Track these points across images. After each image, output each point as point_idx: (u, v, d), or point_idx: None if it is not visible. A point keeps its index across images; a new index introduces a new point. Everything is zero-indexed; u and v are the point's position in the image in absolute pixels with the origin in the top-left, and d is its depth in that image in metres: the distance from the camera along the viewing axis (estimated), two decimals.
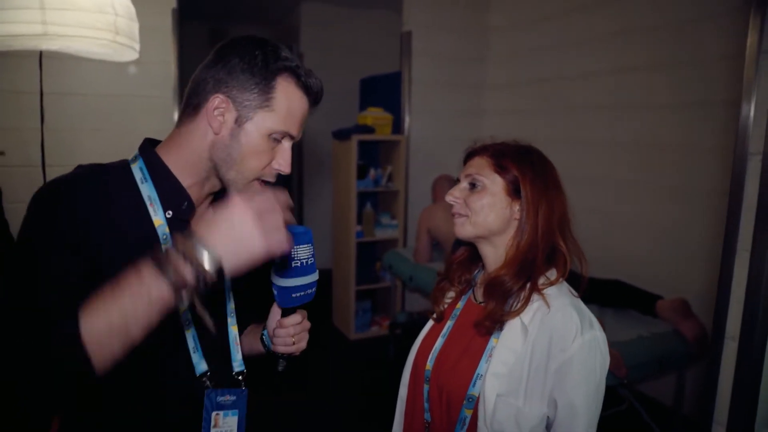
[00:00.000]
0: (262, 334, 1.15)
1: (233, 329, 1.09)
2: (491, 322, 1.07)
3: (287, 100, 0.95)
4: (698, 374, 2.78)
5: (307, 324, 1.09)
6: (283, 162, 0.98)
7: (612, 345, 2.34)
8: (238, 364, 1.08)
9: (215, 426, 1.01)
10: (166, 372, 0.97)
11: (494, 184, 1.12)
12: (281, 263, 0.95)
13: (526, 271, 1.08)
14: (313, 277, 0.99)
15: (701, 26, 2.81)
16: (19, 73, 2.97)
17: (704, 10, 2.79)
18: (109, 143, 3.13)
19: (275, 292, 0.99)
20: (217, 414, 1.01)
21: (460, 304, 1.22)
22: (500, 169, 1.12)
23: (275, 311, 1.11)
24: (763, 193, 1.40)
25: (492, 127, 4.45)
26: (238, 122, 0.93)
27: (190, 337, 0.99)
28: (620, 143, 3.32)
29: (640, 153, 3.19)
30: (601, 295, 2.84)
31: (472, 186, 1.14)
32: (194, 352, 0.99)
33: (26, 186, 2.99)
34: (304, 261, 0.96)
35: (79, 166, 0.93)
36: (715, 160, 2.76)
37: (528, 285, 1.07)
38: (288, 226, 0.90)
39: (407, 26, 4.24)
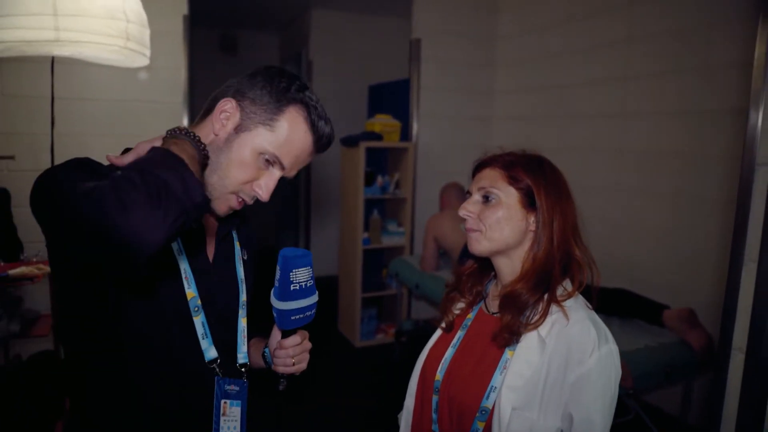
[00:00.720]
0: (264, 352, 1.17)
1: (243, 321, 1.11)
2: (509, 334, 1.06)
3: (290, 129, 0.96)
4: (705, 385, 2.75)
5: (308, 345, 1.10)
6: (264, 186, 0.97)
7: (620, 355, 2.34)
8: (242, 356, 1.11)
9: (224, 414, 1.03)
10: (176, 356, 0.99)
11: (508, 196, 1.10)
12: (279, 286, 0.96)
13: (544, 282, 1.07)
14: (313, 299, 1.00)
15: (710, 33, 2.81)
16: (30, 78, 3.00)
17: (713, 17, 2.79)
18: (118, 148, 3.15)
19: (275, 315, 1.00)
20: (224, 402, 1.03)
21: (471, 314, 1.21)
22: (513, 180, 1.10)
23: (276, 330, 1.12)
24: None
25: (500, 134, 4.45)
26: (237, 130, 0.95)
27: (199, 324, 1.01)
28: (628, 151, 3.32)
29: (648, 161, 3.18)
30: (607, 304, 2.82)
31: (486, 199, 1.12)
32: (203, 338, 1.01)
33: None
34: (303, 284, 0.96)
35: None
36: (723, 169, 2.74)
37: (546, 296, 1.06)
38: (286, 249, 0.93)
39: (416, 33, 4.26)
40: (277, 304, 0.98)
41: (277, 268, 0.96)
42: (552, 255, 1.08)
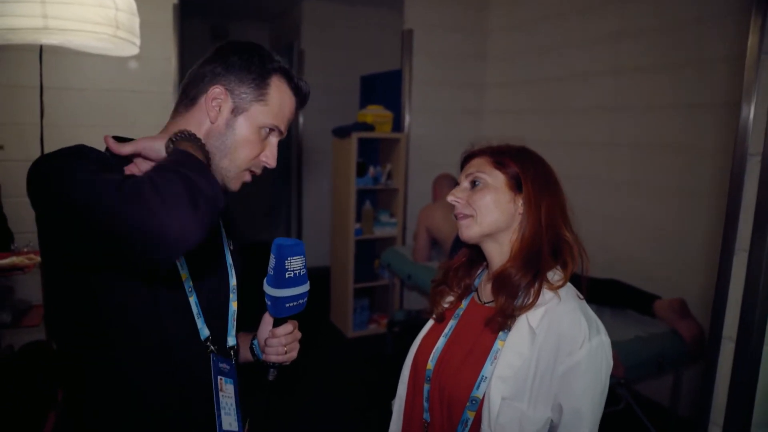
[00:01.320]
0: (252, 344, 1.19)
1: (233, 305, 1.13)
2: (503, 318, 1.06)
3: (279, 98, 1.02)
4: (695, 374, 2.78)
5: (298, 334, 1.13)
6: (270, 155, 1.04)
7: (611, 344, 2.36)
8: (231, 339, 1.12)
9: (221, 390, 1.05)
10: (171, 337, 1.00)
11: (496, 179, 1.12)
12: (274, 274, 0.97)
13: (533, 263, 1.08)
14: (305, 287, 1.02)
15: (701, 27, 2.82)
16: (18, 68, 2.96)
17: (705, 11, 2.79)
18: None
19: (268, 303, 1.02)
20: (220, 378, 1.06)
21: (463, 304, 1.21)
22: (500, 165, 1.12)
23: (266, 321, 1.15)
24: (761, 194, 1.41)
25: (492, 126, 4.45)
26: (234, 113, 0.99)
27: (194, 304, 1.03)
28: (619, 144, 3.33)
29: (639, 153, 3.19)
30: (598, 294, 2.84)
31: (473, 184, 1.14)
32: (198, 317, 1.03)
33: (25, 181, 3.02)
34: (297, 272, 0.99)
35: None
36: (714, 161, 2.76)
37: (537, 280, 1.07)
38: (280, 239, 0.96)
39: (408, 24, 4.24)
40: (272, 291, 0.99)
41: (272, 256, 0.98)
42: (540, 235, 1.09)
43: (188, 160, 0.83)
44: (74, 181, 0.78)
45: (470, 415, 1.06)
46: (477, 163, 1.15)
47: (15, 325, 2.67)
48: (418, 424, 1.18)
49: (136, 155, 0.94)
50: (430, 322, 1.26)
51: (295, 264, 0.98)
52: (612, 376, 2.26)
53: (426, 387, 1.15)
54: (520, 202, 1.11)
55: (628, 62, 3.24)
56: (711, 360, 1.57)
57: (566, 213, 1.14)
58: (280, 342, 1.08)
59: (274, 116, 1.01)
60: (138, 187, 0.73)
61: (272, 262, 0.98)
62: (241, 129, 0.99)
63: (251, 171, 1.04)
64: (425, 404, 1.15)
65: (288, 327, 1.09)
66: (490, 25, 4.47)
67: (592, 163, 3.50)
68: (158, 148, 0.91)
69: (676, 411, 2.80)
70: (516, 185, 1.12)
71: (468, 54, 4.46)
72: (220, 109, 0.99)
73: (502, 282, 1.09)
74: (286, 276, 0.98)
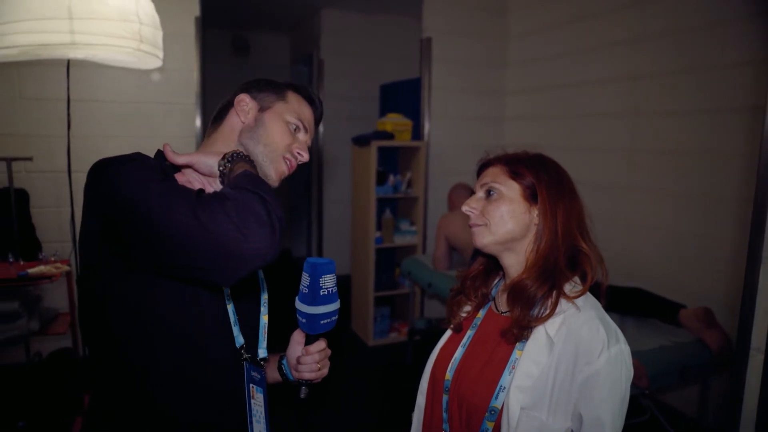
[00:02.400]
0: (281, 364, 1.21)
1: (264, 318, 1.17)
2: (519, 329, 1.06)
3: (297, 102, 1.13)
4: (723, 385, 2.72)
5: (329, 351, 1.14)
6: (301, 148, 1.11)
7: (633, 354, 2.30)
8: (263, 351, 1.16)
9: (252, 398, 1.08)
10: (211, 337, 1.03)
11: (511, 190, 1.11)
12: (309, 292, 1.00)
13: (549, 275, 1.07)
14: (337, 304, 1.04)
15: (724, 30, 2.77)
16: (46, 82, 3.04)
17: (727, 14, 2.75)
18: (133, 149, 3.18)
19: (303, 320, 1.04)
20: (252, 386, 1.08)
21: (481, 314, 1.21)
22: (515, 175, 1.12)
23: (296, 341, 1.18)
24: None
25: (512, 133, 4.43)
26: (261, 110, 1.09)
27: (231, 311, 1.06)
28: (641, 149, 3.29)
29: (661, 159, 3.15)
30: (622, 303, 2.80)
31: (488, 194, 1.13)
32: (234, 325, 1.07)
33: (53, 191, 3.09)
34: (330, 289, 1.02)
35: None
36: (739, 166, 2.71)
37: (554, 292, 1.06)
38: (312, 258, 1.00)
39: (427, 32, 4.25)
40: (307, 309, 1.01)
41: (305, 275, 1.01)
42: (556, 246, 1.08)
43: (261, 182, 0.89)
44: (149, 193, 0.83)
45: (489, 425, 1.05)
46: (492, 172, 1.15)
47: (43, 332, 2.73)
48: None
49: (188, 166, 1.01)
50: (448, 332, 1.26)
51: (329, 282, 1.01)
52: (636, 387, 2.24)
53: (445, 398, 1.15)
54: (535, 212, 1.10)
55: (649, 66, 3.20)
56: (739, 372, 1.53)
57: (584, 222, 1.12)
58: (314, 359, 1.10)
59: (295, 113, 1.11)
60: (219, 206, 0.78)
61: (306, 280, 1.01)
62: (270, 121, 1.08)
63: (287, 160, 1.08)
64: (444, 415, 1.15)
65: (321, 344, 1.11)
66: (509, 32, 4.46)
67: (613, 169, 3.45)
68: (210, 164, 0.98)
69: (704, 422, 2.74)
70: (531, 195, 1.11)
71: (487, 61, 4.46)
72: (248, 109, 1.09)
73: (517, 293, 1.08)
74: (321, 294, 1.00)
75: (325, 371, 1.14)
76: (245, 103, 1.09)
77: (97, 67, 2.82)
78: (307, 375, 1.11)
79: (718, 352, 2.49)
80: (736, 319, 1.56)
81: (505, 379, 1.05)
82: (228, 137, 1.08)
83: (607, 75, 3.50)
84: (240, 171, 0.92)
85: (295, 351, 1.15)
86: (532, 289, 1.06)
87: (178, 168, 1.03)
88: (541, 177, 1.11)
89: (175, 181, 0.95)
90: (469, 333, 1.19)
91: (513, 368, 1.05)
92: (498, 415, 1.04)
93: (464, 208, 1.15)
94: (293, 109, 1.11)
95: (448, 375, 1.15)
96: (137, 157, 0.93)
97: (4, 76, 3.03)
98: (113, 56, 2.14)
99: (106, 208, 0.87)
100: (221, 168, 0.96)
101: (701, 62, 2.90)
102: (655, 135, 3.19)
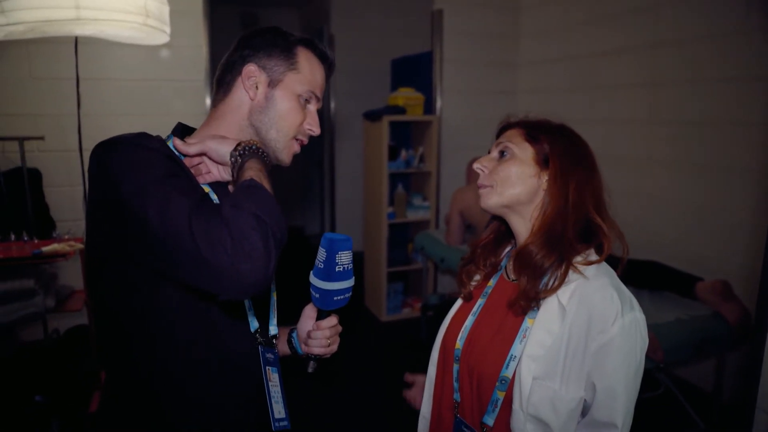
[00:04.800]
0: (291, 337, 1.21)
1: (273, 295, 1.17)
2: (526, 301, 1.04)
3: (309, 65, 1.07)
4: (740, 360, 2.69)
5: (340, 327, 1.14)
6: (312, 123, 1.08)
7: (648, 327, 2.28)
8: (273, 328, 1.16)
9: (269, 380, 1.09)
10: (229, 326, 1.03)
11: (523, 151, 1.09)
12: (324, 267, 1.00)
13: (556, 244, 1.04)
14: (352, 281, 1.04)
15: None
16: (55, 60, 3.03)
17: None
18: (143, 127, 3.15)
19: (316, 295, 1.04)
20: (268, 368, 1.09)
21: (492, 282, 1.19)
22: (532, 138, 1.10)
23: (307, 315, 1.18)
24: None
25: (525, 106, 4.36)
26: (271, 86, 1.04)
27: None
28: (658, 121, 3.21)
29: (680, 130, 3.08)
30: (638, 276, 2.76)
31: (501, 155, 1.12)
32: (249, 310, 1.08)
33: (65, 170, 3.11)
34: (346, 266, 1.01)
35: (129, 133, 0.96)
36: (758, 136, 2.64)
37: (564, 264, 1.03)
38: (329, 233, 0.99)
39: (438, 4, 4.17)
40: (322, 284, 1.01)
41: (321, 249, 1.00)
42: (565, 215, 1.05)
43: (264, 197, 0.85)
44: (147, 196, 0.81)
45: (500, 395, 1.04)
46: (510, 134, 1.13)
47: (58, 309, 2.77)
48: (448, 405, 1.17)
49: (202, 154, 0.99)
50: (459, 302, 1.24)
51: (345, 258, 1.00)
52: (651, 361, 2.22)
53: (455, 367, 1.14)
54: (545, 178, 1.08)
55: (668, 34, 3.11)
56: (757, 344, 1.50)
57: (600, 196, 1.09)
58: (324, 335, 1.10)
59: (309, 82, 1.06)
60: (217, 231, 0.77)
61: (322, 255, 1.00)
62: (282, 99, 1.04)
63: (298, 140, 1.08)
64: (455, 384, 1.14)
65: (333, 320, 1.10)
66: (522, 2, 4.36)
67: (629, 142, 3.39)
68: (223, 153, 0.96)
69: (720, 396, 2.72)
70: (544, 160, 1.08)
71: (500, 32, 4.37)
72: (257, 86, 1.03)
73: (523, 260, 1.06)
74: (337, 270, 1.00)
75: (335, 347, 1.14)
76: (253, 77, 1.03)
77: (105, 45, 2.80)
78: (317, 350, 1.11)
79: (735, 325, 2.46)
80: (755, 291, 1.53)
81: (516, 348, 1.03)
82: (237, 113, 1.04)
83: (624, 44, 3.41)
84: (247, 177, 0.89)
85: (306, 325, 1.15)
86: (538, 257, 1.04)
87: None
88: (557, 143, 1.08)
89: (181, 170, 0.93)
90: (480, 301, 1.17)
91: (524, 337, 1.03)
92: (509, 385, 1.03)
93: (475, 165, 1.13)
94: (305, 79, 1.05)
95: (459, 344, 1.14)
96: (141, 147, 0.90)
97: (14, 56, 3.03)
98: (120, 32, 2.12)
99: (106, 208, 0.87)
100: (232, 159, 0.95)
101: (721, 29, 2.81)
102: (674, 105, 3.11)
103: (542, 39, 4.21)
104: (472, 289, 1.22)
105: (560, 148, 1.08)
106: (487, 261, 1.22)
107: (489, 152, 1.16)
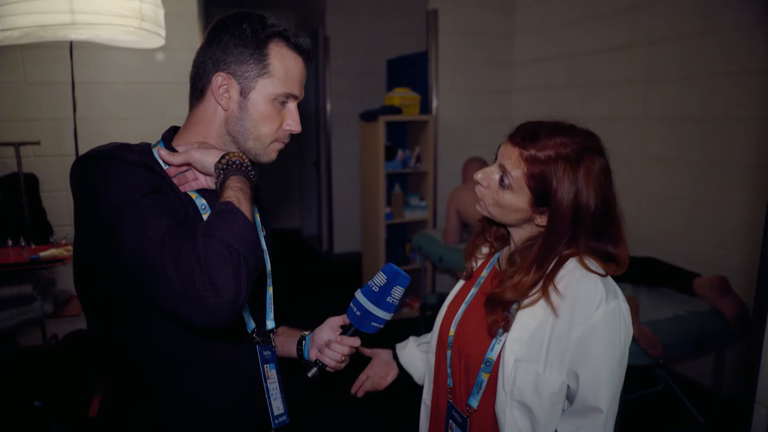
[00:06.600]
0: (304, 340, 1.22)
1: (270, 290, 1.16)
2: (495, 327, 1.05)
3: (283, 63, 1.00)
4: (739, 355, 2.70)
5: (355, 350, 1.17)
6: (292, 122, 1.04)
7: (647, 324, 2.30)
8: (270, 322, 1.16)
9: (268, 378, 1.09)
10: (225, 328, 1.01)
11: (520, 189, 1.04)
12: (378, 292, 1.04)
13: (543, 261, 1.04)
14: (390, 316, 1.08)
15: None
16: (51, 65, 3.03)
17: None
18: (139, 131, 3.16)
19: (357, 312, 1.08)
20: (266, 366, 1.10)
21: (485, 273, 1.21)
22: (531, 180, 1.03)
23: (331, 325, 1.19)
24: None
25: (521, 105, 4.37)
26: (243, 94, 0.99)
27: None
28: (654, 117, 3.22)
29: (675, 126, 3.09)
30: (635, 272, 2.76)
31: (502, 180, 1.07)
32: (245, 311, 1.07)
33: (61, 175, 3.10)
34: (395, 300, 1.07)
35: (110, 144, 0.95)
36: (755, 132, 2.65)
37: (543, 281, 1.03)
38: (395, 266, 1.06)
39: (433, 4, 4.17)
40: (369, 305, 1.06)
41: (382, 275, 1.05)
42: (557, 245, 1.04)
43: (238, 225, 0.82)
44: (122, 217, 0.81)
45: (484, 376, 1.07)
46: (515, 161, 1.04)
47: (57, 314, 2.76)
48: (443, 391, 1.20)
49: (186, 165, 0.97)
50: (458, 286, 1.26)
51: (397, 293, 1.06)
52: (650, 357, 2.22)
53: (448, 353, 1.17)
54: (538, 218, 1.06)
55: (662, 31, 3.12)
56: (756, 339, 1.51)
57: (612, 221, 1.05)
58: (343, 351, 1.12)
59: (284, 84, 1.00)
60: (185, 258, 0.76)
61: (381, 280, 1.05)
62: (255, 107, 0.99)
63: (280, 141, 1.05)
64: (448, 370, 1.17)
65: (357, 340, 1.13)
66: (515, 1, 4.37)
67: (625, 138, 3.40)
68: (207, 164, 0.94)
69: (719, 392, 2.73)
70: (539, 203, 1.04)
71: (495, 31, 4.37)
72: (229, 95, 0.99)
73: (494, 302, 1.07)
74: (387, 300, 1.05)
75: (343, 366, 1.16)
76: (224, 86, 0.98)
77: (100, 49, 2.79)
78: (328, 361, 1.12)
79: (733, 320, 2.47)
80: (752, 286, 1.53)
81: (501, 331, 1.05)
82: (212, 121, 1.01)
83: (618, 42, 3.42)
84: (225, 198, 0.85)
85: (327, 334, 1.17)
86: (516, 293, 1.04)
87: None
88: (562, 194, 1.01)
89: (163, 183, 0.92)
90: (473, 291, 1.20)
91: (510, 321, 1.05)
92: (493, 367, 1.05)
93: (477, 175, 1.10)
94: (279, 81, 0.99)
95: (452, 330, 1.17)
96: (119, 155, 0.88)
97: (9, 61, 3.02)
98: (115, 36, 2.12)
99: (85, 222, 0.88)
100: (216, 172, 0.92)
101: (713, 25, 2.82)
102: (668, 102, 3.12)
103: (537, 37, 4.22)
104: (476, 266, 1.25)
105: (564, 203, 1.01)
106: (498, 231, 1.23)
107: (495, 158, 1.10)
